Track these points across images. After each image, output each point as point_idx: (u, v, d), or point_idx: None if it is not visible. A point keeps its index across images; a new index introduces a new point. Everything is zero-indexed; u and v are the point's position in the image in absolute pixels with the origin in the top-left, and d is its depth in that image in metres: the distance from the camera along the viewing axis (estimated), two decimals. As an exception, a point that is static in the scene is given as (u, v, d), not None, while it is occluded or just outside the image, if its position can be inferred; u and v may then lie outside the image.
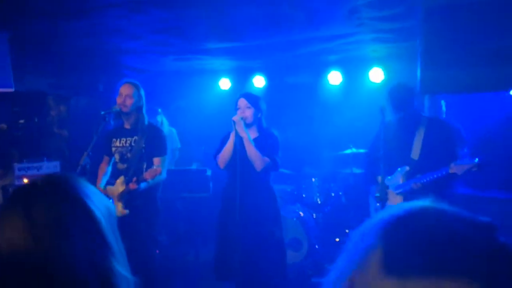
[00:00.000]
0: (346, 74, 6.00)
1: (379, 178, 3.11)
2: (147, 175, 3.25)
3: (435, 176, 2.89)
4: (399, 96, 3.00)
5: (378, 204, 2.90)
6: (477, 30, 2.05)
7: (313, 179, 5.31)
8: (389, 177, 3.17)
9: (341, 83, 6.02)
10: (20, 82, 4.32)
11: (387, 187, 3.15)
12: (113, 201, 3.42)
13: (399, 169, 3.13)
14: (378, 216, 0.57)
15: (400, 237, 0.50)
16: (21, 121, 6.71)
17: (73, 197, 0.89)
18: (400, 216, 0.53)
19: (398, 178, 3.13)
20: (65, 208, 0.87)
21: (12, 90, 3.76)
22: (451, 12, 2.06)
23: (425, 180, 2.94)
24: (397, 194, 3.12)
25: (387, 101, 3.11)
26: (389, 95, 3.09)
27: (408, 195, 3.06)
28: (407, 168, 3.10)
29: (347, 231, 5.15)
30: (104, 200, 1.00)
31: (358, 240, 0.56)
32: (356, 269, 0.53)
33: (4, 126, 6.95)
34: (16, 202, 0.87)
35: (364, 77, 5.90)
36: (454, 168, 2.80)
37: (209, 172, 5.45)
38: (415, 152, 3.09)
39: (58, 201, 0.88)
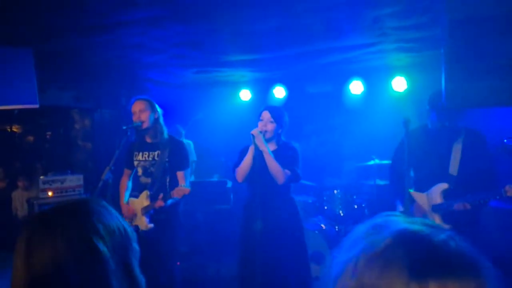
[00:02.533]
0: (368, 83, 5.91)
1: (410, 192, 2.97)
2: (175, 193, 3.25)
3: (486, 197, 2.70)
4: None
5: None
6: (504, 42, 1.97)
7: (335, 191, 5.21)
8: (421, 193, 3.02)
9: (363, 92, 5.93)
10: (44, 96, 4.42)
11: (414, 201, 3.03)
12: (136, 215, 3.45)
13: (437, 185, 2.93)
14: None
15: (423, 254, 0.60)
16: (48, 133, 6.88)
17: (78, 237, 0.88)
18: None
19: (435, 196, 2.93)
20: (66, 249, 0.86)
21: (37, 106, 3.84)
22: (477, 23, 1.99)
23: (473, 200, 2.74)
24: (434, 211, 2.93)
25: (430, 107, 2.92)
26: (434, 102, 2.89)
27: (446, 213, 2.87)
28: (446, 185, 2.89)
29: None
30: (116, 226, 0.97)
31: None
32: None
33: (31, 138, 7.14)
34: (21, 241, 0.87)
35: (387, 86, 5.80)
36: (511, 192, 2.58)
37: (229, 184, 5.44)
38: (454, 167, 2.89)
39: (60, 241, 0.86)
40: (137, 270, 0.97)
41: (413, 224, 0.65)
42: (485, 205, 2.80)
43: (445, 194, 2.90)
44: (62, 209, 0.94)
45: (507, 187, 2.61)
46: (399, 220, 0.67)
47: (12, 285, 0.85)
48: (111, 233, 0.93)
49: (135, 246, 1.00)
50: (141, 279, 0.98)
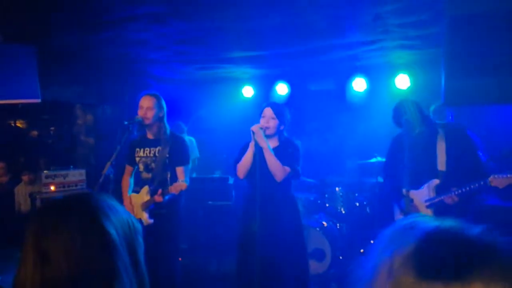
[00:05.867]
0: (371, 80, 5.89)
1: (404, 191, 3.00)
2: (172, 189, 3.27)
3: (472, 188, 2.76)
4: (416, 112, 2.93)
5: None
6: (503, 40, 1.96)
7: (337, 188, 5.21)
8: (415, 191, 3.06)
9: (365, 90, 5.91)
10: (47, 92, 4.44)
11: (412, 200, 3.05)
12: (136, 210, 3.47)
13: (428, 182, 3.01)
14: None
15: (433, 251, 0.59)
16: (52, 128, 6.92)
17: (86, 226, 0.89)
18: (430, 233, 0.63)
19: (427, 191, 3.02)
20: (79, 236, 0.86)
21: (39, 100, 3.86)
22: (476, 21, 1.98)
23: (460, 192, 2.81)
24: (427, 207, 3.00)
25: (401, 119, 3.00)
26: (403, 113, 2.97)
27: (439, 208, 2.94)
28: (437, 181, 2.98)
29: (372, 242, 5.01)
30: (125, 217, 0.98)
31: (381, 249, 0.67)
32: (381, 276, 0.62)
33: (35, 133, 7.19)
34: (29, 234, 0.87)
35: (390, 84, 5.78)
36: (495, 181, 2.65)
37: (231, 180, 5.45)
38: (441, 164, 2.98)
39: (70, 230, 0.87)
40: (142, 263, 0.98)
41: (444, 222, 0.64)
42: (472, 197, 2.86)
43: (438, 189, 2.98)
44: (70, 199, 0.94)
45: (491, 177, 2.67)
46: (429, 220, 0.66)
47: (20, 280, 0.85)
48: (121, 222, 0.94)
49: (140, 239, 1.00)
50: (145, 272, 0.98)
